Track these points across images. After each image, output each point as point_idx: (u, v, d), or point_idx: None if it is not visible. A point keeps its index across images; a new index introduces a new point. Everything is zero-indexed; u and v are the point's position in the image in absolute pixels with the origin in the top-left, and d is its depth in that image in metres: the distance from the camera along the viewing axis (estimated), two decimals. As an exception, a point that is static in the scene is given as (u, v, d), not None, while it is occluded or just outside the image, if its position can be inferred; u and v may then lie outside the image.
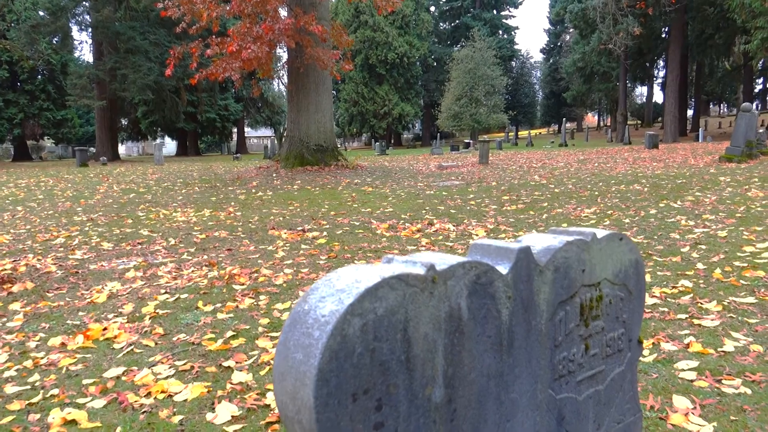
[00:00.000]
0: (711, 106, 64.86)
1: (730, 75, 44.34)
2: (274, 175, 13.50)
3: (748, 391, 2.41)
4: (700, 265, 4.39)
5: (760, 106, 49.71)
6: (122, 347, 3.20)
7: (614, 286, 1.21)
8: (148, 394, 2.59)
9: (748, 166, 11.88)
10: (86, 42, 50.26)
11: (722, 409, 2.28)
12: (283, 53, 17.52)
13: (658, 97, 52.88)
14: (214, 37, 12.79)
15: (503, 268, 0.99)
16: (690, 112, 46.75)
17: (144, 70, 28.13)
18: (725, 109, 68.61)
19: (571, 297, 1.11)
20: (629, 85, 48.20)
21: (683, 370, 2.65)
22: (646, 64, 43.52)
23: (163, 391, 2.61)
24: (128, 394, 2.58)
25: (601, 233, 1.17)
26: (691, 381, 2.53)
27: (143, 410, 2.42)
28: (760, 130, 15.51)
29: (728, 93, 55.11)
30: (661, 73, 49.53)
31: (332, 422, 0.77)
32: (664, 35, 37.30)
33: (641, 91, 66.48)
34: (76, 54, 41.00)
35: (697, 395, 2.39)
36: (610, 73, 42.57)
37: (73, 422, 2.32)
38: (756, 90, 46.41)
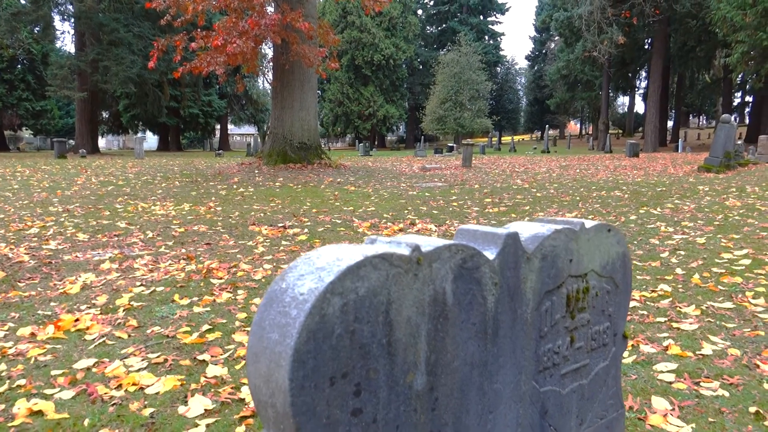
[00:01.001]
0: (691, 117, 65.88)
1: (710, 88, 45.08)
2: (256, 171, 13.38)
3: (726, 394, 2.41)
4: (679, 270, 4.42)
5: (738, 119, 50.61)
6: (94, 339, 3.12)
7: (601, 279, 1.18)
8: (119, 387, 2.51)
9: (726, 177, 12.06)
10: (68, 32, 49.56)
11: (700, 411, 2.28)
12: (268, 50, 17.38)
13: (640, 107, 53.62)
14: (199, 30, 12.63)
15: (490, 254, 0.96)
16: (670, 123, 47.44)
17: (127, 62, 27.75)
18: (704, 121, 69.74)
19: (557, 287, 1.08)
20: (611, 94, 48.77)
21: (662, 372, 2.65)
22: (629, 74, 44.07)
23: (134, 384, 2.54)
24: (98, 385, 2.50)
25: (589, 223, 1.14)
26: (670, 383, 2.53)
27: (113, 402, 2.35)
28: (738, 142, 15.78)
29: (708, 105, 56.03)
30: (643, 84, 50.25)
31: (308, 406, 0.73)
32: (647, 46, 37.82)
33: (623, 100, 67.34)
34: (58, 44, 40.32)
35: (675, 397, 2.38)
36: (593, 82, 43.07)
37: (39, 413, 2.24)
38: (734, 103, 47.24)
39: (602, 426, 1.23)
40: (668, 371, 2.65)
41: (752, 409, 2.26)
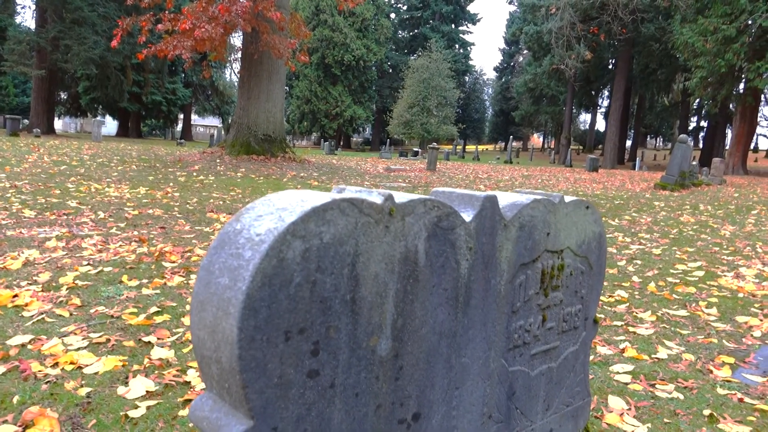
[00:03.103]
0: (648, 138, 67.86)
1: (668, 111, 46.56)
2: (218, 161, 13.08)
3: (681, 397, 2.41)
4: (635, 278, 4.47)
5: (693, 142, 52.31)
6: (32, 315, 2.93)
7: (576, 258, 1.12)
8: (55, 365, 2.35)
9: (681, 195, 12.40)
10: (29, 7, 47.74)
11: (656, 411, 2.26)
12: (238, 39, 17.09)
13: (601, 125, 54.98)
14: (167, 13, 12.28)
15: (467, 216, 0.88)
16: (629, 142, 48.73)
17: (89, 43, 26.87)
18: (661, 143, 72.00)
19: (533, 261, 1.02)
20: (575, 110, 49.83)
21: (618, 373, 2.65)
22: (592, 92, 45.11)
23: (72, 363, 2.38)
24: (32, 362, 2.33)
25: (568, 198, 1.09)
26: (626, 384, 2.52)
27: (47, 380, 2.19)
28: (693, 163, 16.27)
29: (665, 128, 57.83)
30: (605, 102, 51.51)
31: (258, 362, 0.64)
32: (611, 66, 38.80)
33: (585, 117, 68.95)
34: (18, 19, 38.81)
35: (631, 397, 2.37)
36: (558, 97, 43.92)
37: (-37, 388, 2.07)
38: (690, 127, 48.86)
39: (568, 414, 1.17)
40: (624, 372, 2.65)
41: (706, 412, 2.26)
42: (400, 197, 0.80)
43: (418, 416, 0.85)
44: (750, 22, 20.07)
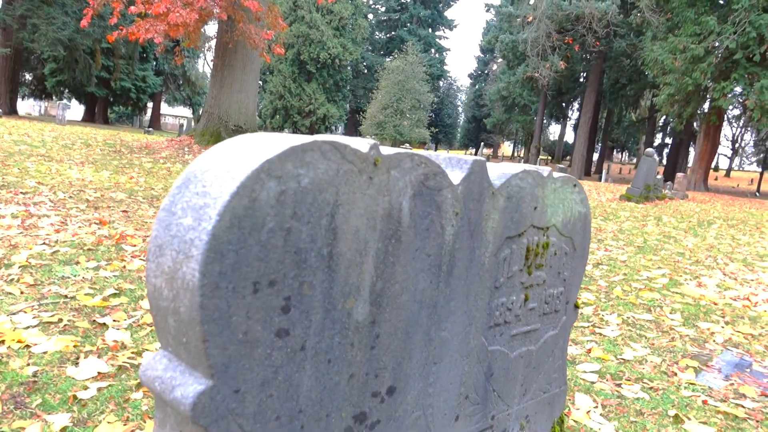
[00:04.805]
0: (615, 152, 69.29)
1: (635, 126, 47.65)
2: (187, 149, 12.80)
3: (647, 397, 2.41)
4: (602, 282, 4.50)
5: (658, 157, 53.62)
6: (-21, 292, 2.77)
7: (561, 237, 1.08)
8: (1, 342, 2.22)
9: (645, 207, 12.64)
10: (-5, -16, 46.23)
11: (622, 410, 2.25)
12: (213, 26, 16.81)
13: (569, 137, 55.88)
14: (140, -5, 11.96)
15: (455, 178, 0.83)
16: (596, 155, 49.67)
17: (58, 23, 26.10)
18: (626, 158, 73.65)
19: (519, 235, 0.96)
20: (545, 121, 50.57)
21: (585, 372, 2.63)
22: (563, 104, 45.86)
23: (19, 341, 2.24)
24: (-25, 339, 2.20)
25: (557, 173, 1.04)
26: (593, 382, 2.51)
27: (-10, 358, 2.06)
28: (658, 177, 16.63)
29: (631, 143, 59.15)
30: (575, 115, 52.39)
31: (222, 313, 0.56)
32: (582, 79, 39.48)
33: (555, 129, 70.01)
34: (-18, -5, 37.48)
35: (598, 395, 2.35)
36: (530, 107, 44.48)
37: None
38: (655, 143, 50.09)
39: (544, 401, 1.12)
40: (591, 372, 2.64)
41: (672, 413, 2.26)
42: (387, 149, 0.73)
43: (393, 390, 0.78)
44: (717, 43, 20.65)
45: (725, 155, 56.96)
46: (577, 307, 1.16)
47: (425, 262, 0.79)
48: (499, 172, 0.93)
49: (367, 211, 0.70)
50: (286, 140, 0.62)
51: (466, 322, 0.89)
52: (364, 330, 0.73)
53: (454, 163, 0.85)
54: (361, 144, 0.69)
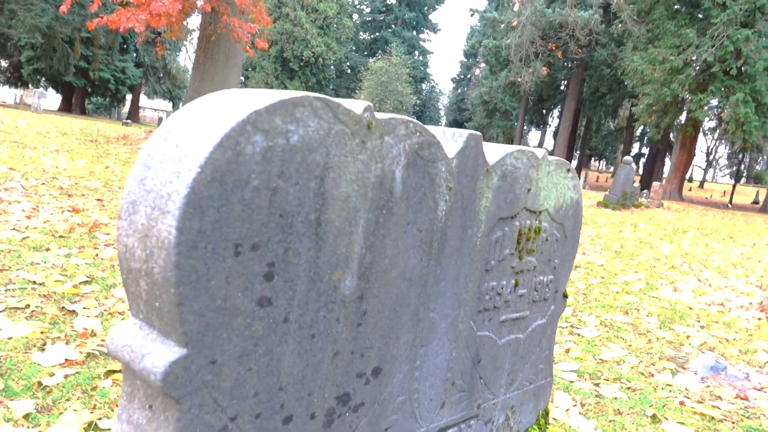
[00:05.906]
0: (593, 160, 70.16)
1: (613, 135, 48.30)
2: (165, 143, 12.61)
3: (625, 397, 2.40)
4: (580, 285, 4.51)
5: (635, 166, 54.44)
6: (-58, 275, 2.66)
7: (553, 223, 1.05)
8: (-37, 326, 2.12)
9: (622, 213, 12.79)
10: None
11: (601, 409, 2.24)
12: (195, 18, 16.62)
13: (549, 143, 56.45)
14: (122, -17, 11.74)
15: (450, 151, 0.79)
16: (574, 162, 50.25)
17: (37, 9, 25.56)
18: (604, 166, 74.61)
19: (512, 217, 0.93)
20: (526, 127, 51.00)
21: (564, 371, 2.62)
22: (543, 111, 46.30)
23: (-18, 326, 2.15)
24: (-64, 322, 2.10)
25: (552, 157, 1.01)
26: (572, 381, 2.50)
27: (-49, 341, 1.97)
28: (635, 185, 16.85)
29: (609, 151, 59.94)
30: (555, 122, 52.95)
31: (199, 276, 0.51)
32: (563, 87, 39.91)
33: (535, 135, 70.67)
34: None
35: (577, 394, 2.34)
36: (511, 112, 44.81)
37: None
38: (633, 152, 50.83)
39: (530, 392, 1.09)
40: (570, 371, 2.62)
41: (649, 413, 2.25)
42: (381, 114, 0.69)
43: (379, 371, 0.74)
44: (695, 56, 21.01)
45: (699, 166, 58.07)
46: (565, 296, 1.13)
47: (416, 237, 0.75)
48: (494, 150, 0.90)
49: (358, 177, 0.65)
50: (275, 93, 0.58)
51: (456, 304, 0.86)
52: (351, 305, 0.69)
53: (449, 136, 0.81)
54: (355, 105, 0.64)
